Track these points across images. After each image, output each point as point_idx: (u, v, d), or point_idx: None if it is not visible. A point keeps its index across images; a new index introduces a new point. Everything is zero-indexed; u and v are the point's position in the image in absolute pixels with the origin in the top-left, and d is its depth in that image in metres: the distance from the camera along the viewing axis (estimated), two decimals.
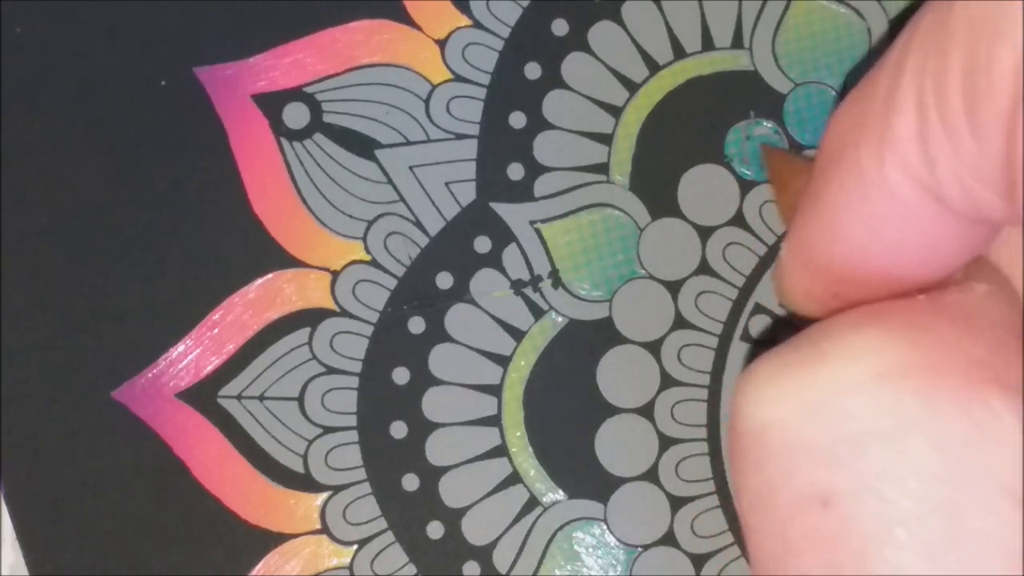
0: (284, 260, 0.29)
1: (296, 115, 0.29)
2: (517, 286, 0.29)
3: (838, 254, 0.20)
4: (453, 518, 0.28)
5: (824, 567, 0.18)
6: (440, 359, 0.29)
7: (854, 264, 0.20)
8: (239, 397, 0.29)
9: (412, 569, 0.28)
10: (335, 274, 0.29)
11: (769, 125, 0.29)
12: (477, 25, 0.29)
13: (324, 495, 0.28)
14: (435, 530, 0.28)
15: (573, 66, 0.29)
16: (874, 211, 0.19)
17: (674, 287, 0.29)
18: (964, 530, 0.17)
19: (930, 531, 0.18)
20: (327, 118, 0.29)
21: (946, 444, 0.18)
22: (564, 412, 0.29)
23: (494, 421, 0.29)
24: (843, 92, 0.29)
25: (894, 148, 0.19)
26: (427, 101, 0.29)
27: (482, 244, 0.29)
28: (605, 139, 0.29)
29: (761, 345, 0.29)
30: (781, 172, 0.28)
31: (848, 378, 0.19)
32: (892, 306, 0.20)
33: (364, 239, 0.29)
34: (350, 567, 0.28)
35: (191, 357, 0.29)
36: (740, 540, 0.28)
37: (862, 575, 0.18)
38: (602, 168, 0.29)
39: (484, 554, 0.28)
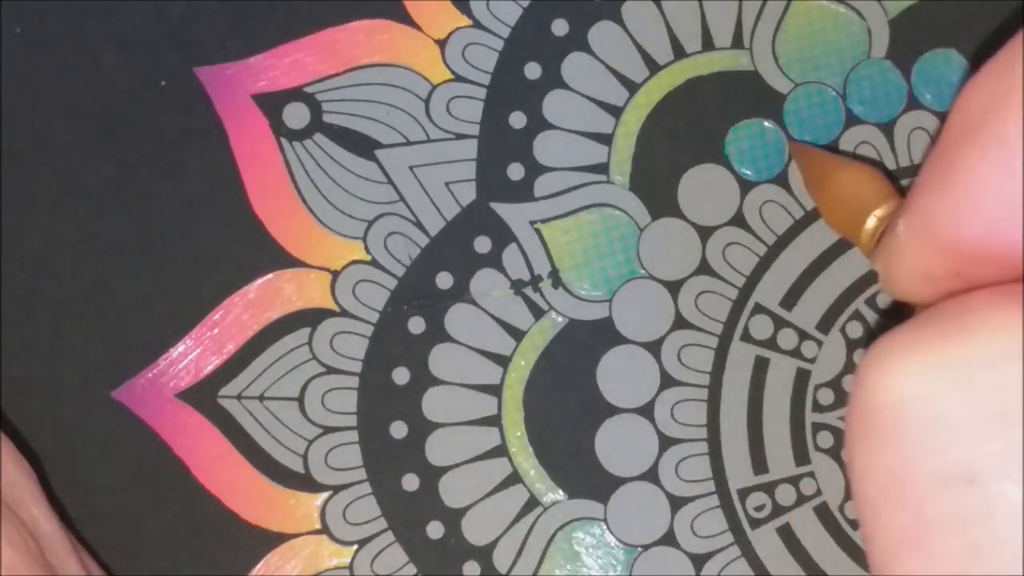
0: (284, 260, 0.29)
1: (296, 115, 0.29)
2: (517, 286, 0.29)
3: (970, 230, 0.20)
4: (453, 518, 0.28)
5: (966, 547, 0.18)
6: (440, 359, 0.29)
7: (986, 240, 0.20)
8: (239, 397, 0.29)
9: (412, 569, 0.28)
10: (335, 274, 0.29)
11: (769, 125, 0.29)
12: (477, 25, 0.29)
13: (324, 495, 0.28)
14: (435, 530, 0.28)
15: (573, 66, 0.29)
16: (1017, 183, 0.19)
17: (674, 287, 0.29)
18: None
19: None
20: (327, 118, 0.29)
21: None
22: (564, 412, 0.29)
23: (494, 421, 0.29)
24: (843, 92, 0.29)
25: None
26: (427, 101, 0.29)
27: (482, 244, 0.29)
28: (605, 139, 0.29)
29: (762, 345, 0.29)
30: (816, 169, 0.28)
31: (997, 352, 0.18)
32: (1020, 287, 0.20)
33: (364, 239, 0.29)
34: (350, 567, 0.28)
35: (191, 357, 0.29)
36: (740, 540, 0.28)
37: (1006, 556, 0.18)
38: (602, 168, 0.29)
39: (484, 554, 0.28)
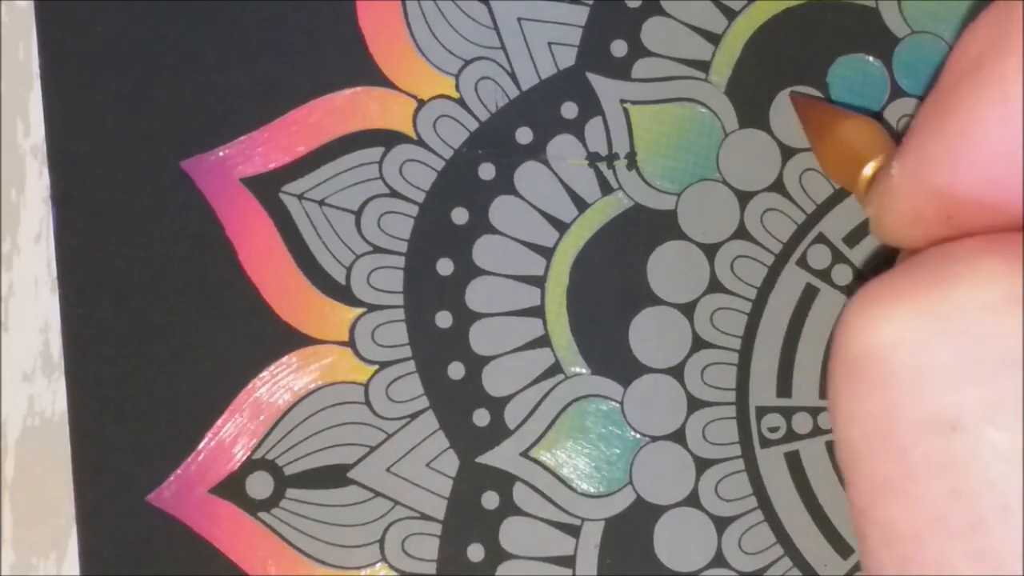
0: (375, 77, 0.29)
1: None
2: (593, 158, 0.29)
3: (964, 172, 0.20)
4: (477, 364, 0.29)
5: (948, 491, 0.18)
6: (500, 212, 0.29)
7: (979, 183, 0.20)
8: (301, 196, 0.29)
9: (424, 403, 0.29)
10: (421, 103, 0.29)
11: (875, 62, 0.29)
12: None
13: (358, 311, 0.29)
14: (456, 371, 0.29)
15: None
16: (1014, 125, 0.19)
17: (744, 197, 0.29)
18: None
19: None
20: None
21: None
22: (607, 289, 0.29)
23: (538, 282, 0.29)
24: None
25: None
26: None
27: (569, 110, 0.29)
28: (714, 38, 0.29)
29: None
30: (818, 119, 0.28)
31: (985, 300, 0.18)
32: (1008, 237, 0.20)
33: (457, 76, 0.29)
34: (366, 385, 0.29)
35: (262, 148, 0.29)
36: (747, 455, 0.28)
37: (987, 500, 0.18)
38: (703, 66, 0.29)
39: (497, 405, 0.29)
